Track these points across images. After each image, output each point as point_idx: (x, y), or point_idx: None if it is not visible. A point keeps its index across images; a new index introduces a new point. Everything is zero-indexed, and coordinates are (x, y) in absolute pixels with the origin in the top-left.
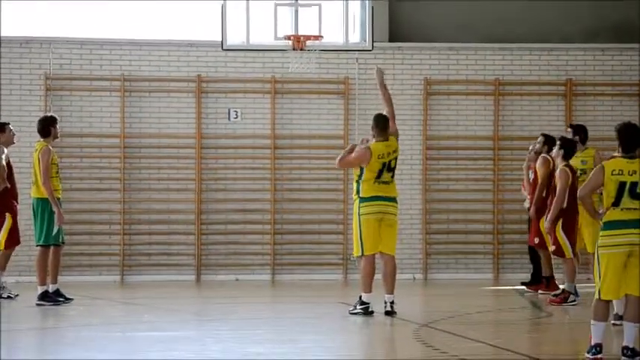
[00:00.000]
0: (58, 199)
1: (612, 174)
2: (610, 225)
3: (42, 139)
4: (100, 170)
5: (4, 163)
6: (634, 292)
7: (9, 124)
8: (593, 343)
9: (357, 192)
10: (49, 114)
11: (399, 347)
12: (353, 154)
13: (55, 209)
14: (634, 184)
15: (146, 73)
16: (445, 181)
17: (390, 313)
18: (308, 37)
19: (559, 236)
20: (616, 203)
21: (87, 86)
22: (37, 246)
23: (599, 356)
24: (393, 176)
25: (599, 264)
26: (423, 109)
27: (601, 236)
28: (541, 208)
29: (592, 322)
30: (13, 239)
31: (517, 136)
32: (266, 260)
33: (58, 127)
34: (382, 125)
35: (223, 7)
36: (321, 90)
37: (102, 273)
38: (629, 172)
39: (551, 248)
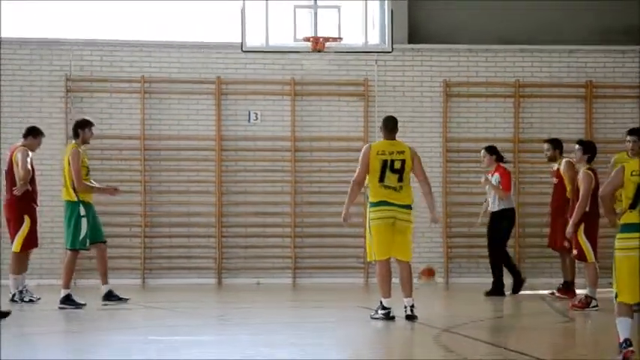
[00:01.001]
0: (89, 202)
1: (632, 175)
2: (627, 228)
3: (73, 141)
4: (120, 172)
5: (29, 167)
6: None
7: (43, 134)
8: (621, 340)
9: (367, 197)
10: (85, 117)
11: (419, 352)
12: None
13: (105, 192)
14: None
15: (166, 75)
16: (465, 184)
17: (410, 317)
18: (327, 39)
19: (581, 240)
20: (633, 205)
21: (107, 88)
22: (67, 249)
23: (630, 349)
24: (401, 180)
25: (615, 267)
26: (442, 111)
27: (618, 239)
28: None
29: (617, 319)
30: (31, 242)
31: (537, 139)
32: (287, 264)
33: (90, 131)
34: (388, 126)
35: (243, 9)
36: (341, 92)
37: (123, 276)
38: None
39: (573, 253)
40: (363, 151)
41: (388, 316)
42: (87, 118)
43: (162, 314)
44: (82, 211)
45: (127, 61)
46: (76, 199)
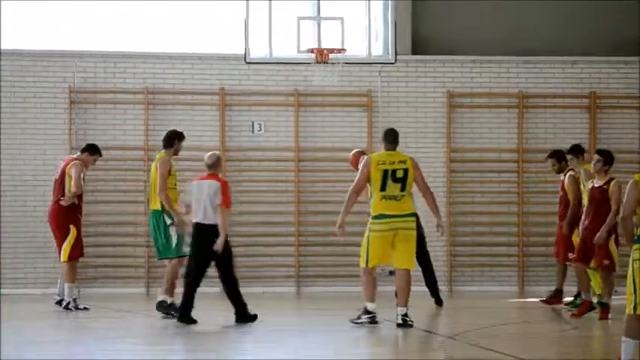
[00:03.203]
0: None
1: None
2: None
3: (163, 150)
4: (124, 183)
5: (81, 182)
6: None
7: (100, 153)
8: None
9: (370, 209)
10: (177, 129)
11: (423, 359)
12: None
13: (171, 219)
14: None
15: (170, 86)
16: (469, 194)
17: (402, 325)
18: (331, 50)
19: (612, 250)
20: None
21: (111, 99)
22: (159, 259)
23: None
24: (403, 189)
25: (633, 278)
26: (446, 122)
27: (635, 249)
28: (572, 224)
29: (623, 338)
30: (77, 251)
31: (541, 149)
32: (291, 272)
33: (181, 143)
34: (388, 138)
35: (246, 21)
36: (344, 103)
37: (127, 285)
38: None
39: (604, 262)
40: (363, 162)
41: (373, 320)
42: (178, 130)
43: (166, 323)
44: (168, 220)
45: (131, 72)
46: (160, 208)
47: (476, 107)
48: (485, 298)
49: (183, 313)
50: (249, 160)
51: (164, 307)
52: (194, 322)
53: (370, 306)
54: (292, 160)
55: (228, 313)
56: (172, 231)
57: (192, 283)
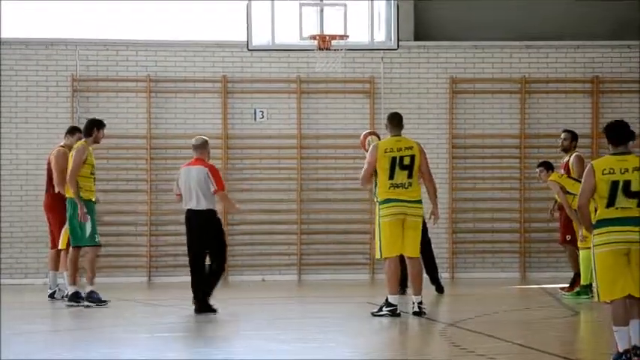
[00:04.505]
0: (90, 200)
1: (603, 174)
2: (605, 223)
3: (83, 139)
4: (126, 172)
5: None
6: (635, 293)
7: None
8: (621, 350)
9: (375, 195)
10: (98, 118)
11: (425, 346)
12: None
13: (78, 207)
14: (627, 183)
15: (172, 74)
16: (471, 180)
17: (418, 314)
18: (333, 37)
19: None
20: (610, 204)
21: (113, 87)
22: (73, 247)
23: None
24: (410, 176)
25: (594, 264)
26: (448, 107)
27: (595, 235)
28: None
29: (614, 328)
30: None
31: (544, 134)
32: (292, 260)
33: (102, 131)
34: (393, 122)
35: (248, 8)
36: (347, 89)
37: (129, 274)
38: (620, 170)
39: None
40: (370, 150)
41: (395, 313)
42: (99, 118)
43: (168, 311)
44: (85, 209)
45: (133, 60)
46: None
47: (478, 93)
48: (487, 284)
49: (200, 305)
50: (251, 148)
51: (76, 298)
52: (214, 310)
53: (391, 298)
54: (294, 148)
55: (225, 299)
56: (86, 220)
57: (197, 271)
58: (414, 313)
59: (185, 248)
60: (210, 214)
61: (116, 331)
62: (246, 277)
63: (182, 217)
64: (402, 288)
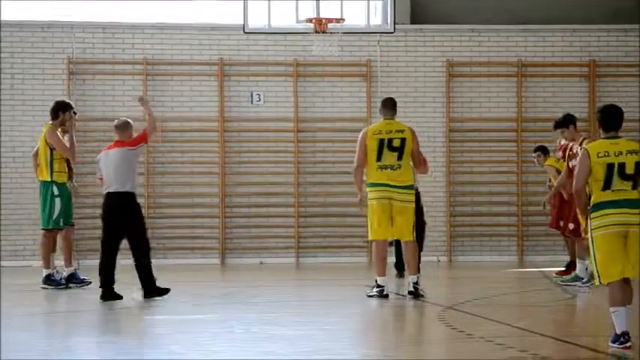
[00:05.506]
0: (62, 183)
1: (598, 157)
2: (602, 206)
3: (50, 122)
4: None
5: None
6: (633, 276)
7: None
8: (619, 332)
9: (366, 178)
10: (65, 100)
11: (423, 329)
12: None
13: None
14: (622, 165)
15: (168, 57)
16: (469, 163)
17: (412, 293)
18: (330, 20)
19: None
20: (606, 186)
21: (109, 70)
22: (41, 229)
23: (628, 344)
24: (400, 158)
25: (593, 247)
26: (445, 91)
27: (592, 218)
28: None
29: (611, 309)
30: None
31: (540, 118)
32: (290, 243)
33: (69, 114)
34: (387, 106)
35: None
36: (344, 72)
37: (127, 257)
38: (614, 153)
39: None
40: (360, 135)
41: (382, 294)
42: (68, 100)
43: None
44: (56, 191)
45: (129, 43)
46: (49, 179)
47: (475, 76)
48: (485, 268)
49: (105, 290)
50: (248, 131)
51: (50, 280)
52: (119, 297)
53: (380, 279)
54: (291, 131)
55: (223, 282)
56: (57, 203)
57: (110, 255)
58: (409, 293)
59: (183, 230)
60: (130, 197)
61: (109, 314)
62: (244, 260)
63: (179, 200)
64: (400, 271)
